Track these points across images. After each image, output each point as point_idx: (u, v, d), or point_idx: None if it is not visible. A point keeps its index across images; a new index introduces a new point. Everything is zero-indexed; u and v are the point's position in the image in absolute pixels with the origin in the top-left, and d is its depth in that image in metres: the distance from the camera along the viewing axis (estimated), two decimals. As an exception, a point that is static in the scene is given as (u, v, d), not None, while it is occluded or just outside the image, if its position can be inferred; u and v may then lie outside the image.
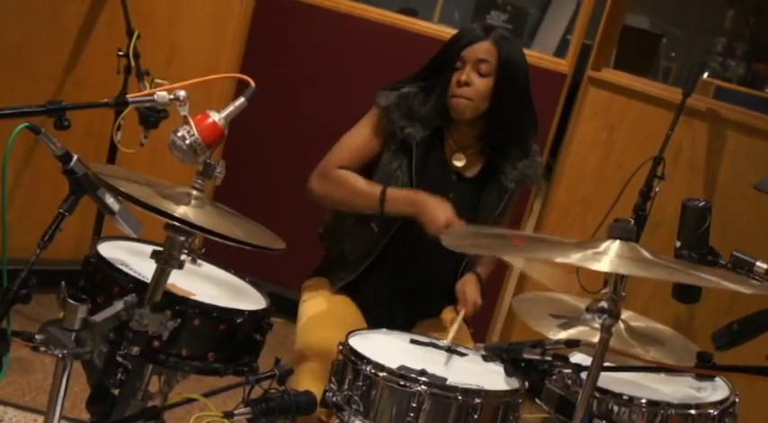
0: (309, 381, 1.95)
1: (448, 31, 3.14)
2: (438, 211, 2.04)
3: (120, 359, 1.56)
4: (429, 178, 2.17)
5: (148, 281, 1.59)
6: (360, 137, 2.21)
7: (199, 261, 1.90)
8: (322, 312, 2.20)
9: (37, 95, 3.09)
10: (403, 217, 2.11)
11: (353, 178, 2.16)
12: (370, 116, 2.21)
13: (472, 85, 2.12)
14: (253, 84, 1.64)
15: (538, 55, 3.59)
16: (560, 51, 6.33)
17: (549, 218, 3.49)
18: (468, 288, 2.20)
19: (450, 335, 1.98)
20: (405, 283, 2.24)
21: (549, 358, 1.78)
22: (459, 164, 2.22)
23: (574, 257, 1.54)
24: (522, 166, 2.22)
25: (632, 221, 1.65)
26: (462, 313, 2.11)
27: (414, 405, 1.67)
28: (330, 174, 2.18)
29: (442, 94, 2.15)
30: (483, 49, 2.12)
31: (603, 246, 1.58)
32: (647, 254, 1.58)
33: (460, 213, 2.09)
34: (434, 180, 2.18)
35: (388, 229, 2.17)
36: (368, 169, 2.21)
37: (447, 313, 2.30)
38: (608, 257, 1.54)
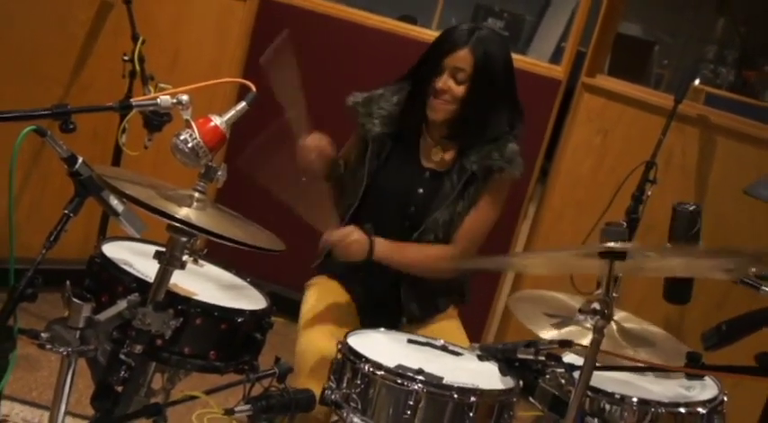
0: (309, 379, 1.98)
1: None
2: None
3: (123, 357, 1.59)
4: (394, 175, 2.25)
5: (151, 281, 1.62)
6: (349, 141, 2.36)
7: (201, 261, 1.93)
8: (322, 312, 2.23)
9: (44, 99, 3.09)
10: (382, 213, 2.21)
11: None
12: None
13: (449, 91, 2.18)
14: (254, 88, 1.68)
15: (533, 61, 3.61)
16: (555, 58, 6.37)
17: (544, 221, 3.52)
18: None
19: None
20: (395, 279, 2.26)
21: (542, 358, 1.81)
22: (436, 158, 2.27)
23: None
24: (487, 150, 2.22)
25: (624, 225, 1.69)
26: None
27: (411, 403, 1.71)
28: None
29: (421, 95, 2.22)
30: (460, 57, 2.17)
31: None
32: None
33: (430, 207, 2.21)
34: (402, 176, 2.26)
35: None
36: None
37: None
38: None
